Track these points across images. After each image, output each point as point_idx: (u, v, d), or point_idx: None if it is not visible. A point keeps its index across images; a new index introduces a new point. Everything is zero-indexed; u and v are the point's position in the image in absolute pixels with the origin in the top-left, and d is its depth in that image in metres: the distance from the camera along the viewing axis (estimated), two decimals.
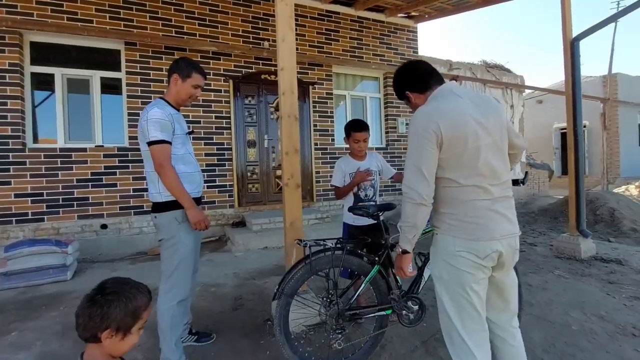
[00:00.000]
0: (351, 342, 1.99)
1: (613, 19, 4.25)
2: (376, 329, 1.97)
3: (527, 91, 11.18)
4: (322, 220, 5.33)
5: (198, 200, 2.05)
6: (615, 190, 9.25)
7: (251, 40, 5.59)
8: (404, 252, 1.44)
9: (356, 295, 1.86)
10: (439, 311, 1.47)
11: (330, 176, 6.10)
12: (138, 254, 4.49)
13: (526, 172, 5.80)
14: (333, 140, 6.24)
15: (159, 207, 1.92)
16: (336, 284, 1.85)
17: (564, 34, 4.18)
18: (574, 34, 4.16)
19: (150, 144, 1.82)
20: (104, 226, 4.66)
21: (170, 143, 1.87)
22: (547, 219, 6.60)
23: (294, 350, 1.81)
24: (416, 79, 1.50)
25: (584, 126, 13.11)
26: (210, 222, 5.16)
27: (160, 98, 2.01)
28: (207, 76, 5.22)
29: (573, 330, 2.38)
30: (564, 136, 13.76)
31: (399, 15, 6.67)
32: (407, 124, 6.85)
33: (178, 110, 2.05)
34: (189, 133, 2.09)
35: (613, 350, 2.14)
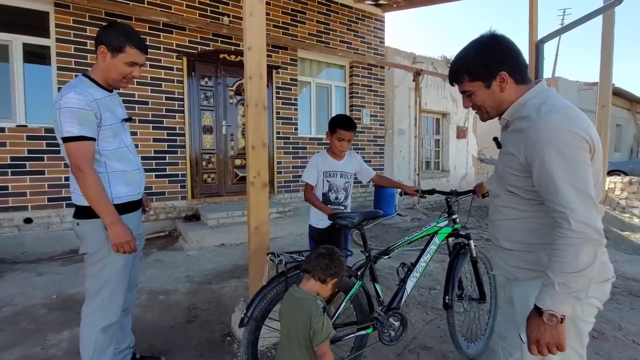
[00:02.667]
0: None
1: (574, 25, 4.37)
2: (354, 350, 1.77)
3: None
4: (284, 214, 5.06)
5: (137, 204, 1.68)
6: None
7: (209, 14, 5.03)
8: (562, 319, 0.96)
9: (336, 315, 1.64)
10: None
11: (293, 167, 5.92)
12: (71, 252, 3.89)
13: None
14: (296, 129, 5.92)
15: (83, 212, 1.51)
16: None
17: (530, 36, 4.25)
18: (539, 37, 4.23)
19: (64, 140, 1.40)
20: (28, 220, 3.98)
21: (92, 139, 1.45)
22: None
23: None
24: (522, 62, 1.09)
25: None
26: (160, 215, 4.70)
27: (85, 75, 1.54)
28: (157, 51, 4.69)
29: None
30: None
31: (367, 2, 6.43)
32: (372, 116, 6.73)
33: (111, 90, 1.60)
34: (127, 120, 1.66)
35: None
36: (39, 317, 2.48)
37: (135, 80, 1.65)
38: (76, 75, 4.19)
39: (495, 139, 1.21)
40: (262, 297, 1.51)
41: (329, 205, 2.31)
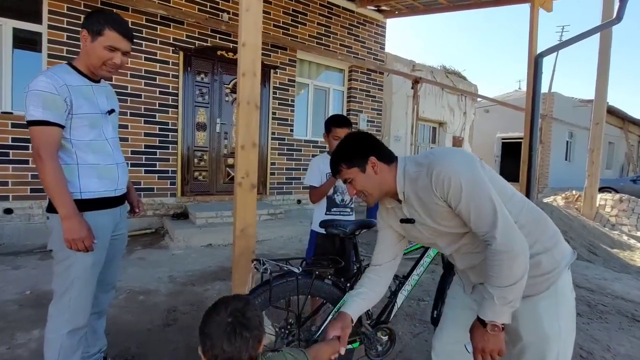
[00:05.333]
0: None
1: (573, 41, 4.38)
2: None
3: (479, 100, 11.67)
4: (275, 216, 4.97)
5: (115, 201, 1.56)
6: (545, 200, 10.06)
7: (208, 9, 4.96)
8: (503, 327, 1.05)
9: (322, 329, 1.55)
10: None
11: (287, 169, 5.84)
12: None
13: None
14: (292, 130, 5.85)
15: (52, 206, 1.41)
16: (299, 315, 1.52)
17: (529, 49, 4.26)
18: (539, 50, 4.23)
19: (28, 123, 1.32)
20: (8, 211, 3.84)
21: (57, 125, 1.35)
22: None
23: None
24: (384, 147, 1.24)
25: (522, 138, 14.24)
26: (147, 212, 4.59)
27: (68, 63, 1.47)
28: (153, 44, 4.59)
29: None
30: (505, 145, 14.76)
31: (370, 7, 6.41)
32: (369, 121, 6.68)
33: (98, 81, 1.52)
34: (109, 112, 1.55)
35: None
36: (9, 313, 2.36)
37: (120, 70, 1.53)
38: None
39: (403, 220, 1.24)
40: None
41: (334, 209, 2.21)
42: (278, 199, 5.78)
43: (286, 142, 5.80)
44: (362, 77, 6.58)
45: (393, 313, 1.73)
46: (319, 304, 1.73)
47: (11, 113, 3.87)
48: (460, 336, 1.26)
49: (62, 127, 1.37)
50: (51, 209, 1.43)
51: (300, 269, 1.50)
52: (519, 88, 19.09)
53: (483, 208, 1.02)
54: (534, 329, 1.12)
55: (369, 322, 1.68)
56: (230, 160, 5.33)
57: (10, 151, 3.83)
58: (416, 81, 7.15)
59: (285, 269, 1.48)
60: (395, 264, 1.38)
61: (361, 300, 1.33)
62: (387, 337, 1.70)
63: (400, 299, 1.73)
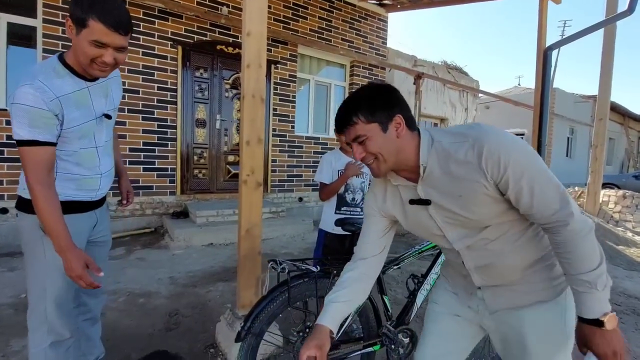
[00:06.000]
0: None
1: (581, 34, 4.28)
2: None
3: (480, 96, 11.59)
4: (277, 214, 4.87)
5: (94, 204, 1.42)
6: None
7: (207, 2, 4.83)
8: (610, 317, 0.86)
9: (342, 330, 1.47)
10: None
11: (288, 166, 5.73)
12: None
13: None
14: (293, 127, 5.74)
15: (21, 204, 1.30)
16: (317, 316, 1.43)
17: (538, 42, 4.16)
18: (548, 43, 4.13)
19: (16, 143, 1.14)
20: (3, 210, 3.73)
21: (49, 144, 1.16)
22: None
23: None
24: (410, 110, 1.02)
25: (522, 134, 14.18)
26: (146, 211, 4.48)
27: (59, 57, 1.23)
28: (151, 38, 4.47)
29: None
30: None
31: (371, 1, 6.29)
32: None
33: (90, 79, 1.27)
34: (106, 116, 1.35)
35: None
36: (3, 318, 2.25)
37: (109, 66, 1.19)
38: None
39: (414, 201, 1.02)
40: (262, 309, 1.34)
41: (343, 208, 2.11)
42: (279, 197, 5.68)
43: (287, 138, 5.69)
44: (364, 72, 6.47)
45: (413, 313, 1.65)
46: None
47: (5, 110, 3.75)
48: (447, 349, 1.15)
49: (55, 144, 1.19)
50: (19, 206, 1.31)
51: (318, 268, 1.41)
52: (519, 84, 19.02)
53: (549, 190, 0.87)
54: (544, 339, 1.00)
55: (389, 323, 1.60)
56: (230, 158, 5.22)
57: (5, 149, 3.72)
58: (418, 76, 7.04)
59: (303, 268, 1.39)
60: (382, 258, 1.16)
61: (341, 305, 1.08)
62: (408, 339, 1.62)
63: (419, 299, 1.64)
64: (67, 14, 1.14)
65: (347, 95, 6.52)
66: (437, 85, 8.14)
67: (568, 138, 15.11)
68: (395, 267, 1.66)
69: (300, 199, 5.92)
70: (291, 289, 1.37)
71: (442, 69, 8.54)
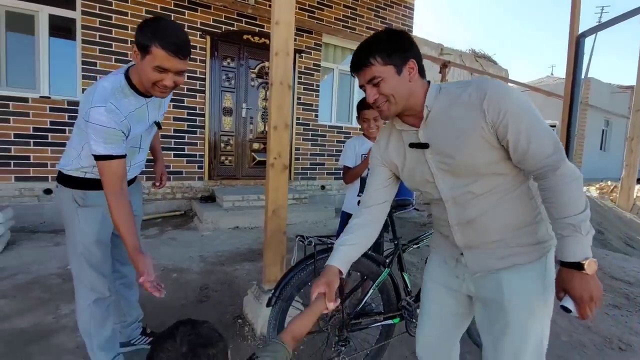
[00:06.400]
0: (352, 355, 1.70)
1: (618, 20, 4.08)
2: (380, 340, 1.72)
3: (509, 85, 11.22)
4: (300, 201, 4.99)
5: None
6: None
7: None
8: (590, 262, 0.89)
9: (363, 302, 1.58)
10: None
11: (311, 154, 5.83)
12: None
13: None
14: (316, 116, 5.82)
15: (60, 178, 1.49)
16: (342, 289, 1.54)
17: (571, 29, 4.01)
18: (581, 29, 3.98)
19: (95, 157, 1.30)
20: (47, 191, 4.03)
21: (121, 157, 1.32)
22: None
23: None
24: (422, 60, 1.06)
25: (553, 126, 13.62)
26: (176, 195, 4.71)
27: (126, 74, 1.35)
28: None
29: (563, 341, 2.27)
30: None
31: None
32: None
33: (149, 96, 1.40)
34: (156, 123, 1.53)
35: None
36: (53, 286, 2.49)
37: (169, 89, 1.33)
38: (100, 49, 4.07)
39: (414, 144, 1.06)
40: (291, 278, 1.46)
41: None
42: (302, 184, 5.80)
43: (311, 127, 5.78)
44: None
45: None
46: (356, 284, 1.74)
47: (49, 97, 4.02)
48: (443, 327, 1.20)
49: (125, 156, 1.34)
50: (58, 179, 1.48)
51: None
52: (552, 74, 18.19)
53: (545, 135, 0.92)
54: (522, 302, 1.01)
55: (409, 297, 1.68)
56: (255, 145, 5.37)
57: (49, 134, 4.00)
58: (444, 65, 6.91)
59: (328, 242, 1.49)
60: (385, 209, 1.21)
61: (348, 247, 1.14)
62: None
63: None
64: (105, 6, 1.27)
65: None
66: (464, 74, 7.98)
67: (603, 130, 14.42)
68: (415, 246, 1.74)
69: (323, 187, 6.02)
70: (317, 261, 1.48)
71: (470, 57, 8.35)
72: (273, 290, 1.44)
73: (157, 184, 1.89)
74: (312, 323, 1.03)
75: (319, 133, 5.87)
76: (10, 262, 2.84)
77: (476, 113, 0.94)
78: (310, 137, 5.78)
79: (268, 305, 1.43)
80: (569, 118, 4.00)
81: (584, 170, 13.23)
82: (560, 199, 0.91)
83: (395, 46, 1.00)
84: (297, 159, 5.70)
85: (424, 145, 1.04)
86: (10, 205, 3.52)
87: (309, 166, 5.83)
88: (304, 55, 5.56)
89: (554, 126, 13.02)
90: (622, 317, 2.64)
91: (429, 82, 1.06)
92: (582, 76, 12.70)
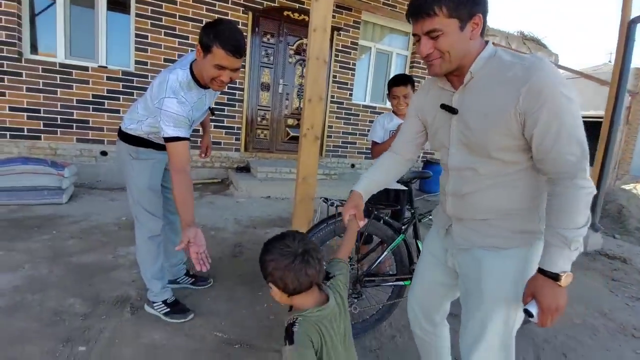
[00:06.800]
0: (365, 307, 1.90)
1: None
2: (391, 298, 1.89)
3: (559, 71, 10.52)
4: (329, 177, 5.17)
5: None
6: (625, 187, 9.07)
7: None
8: (567, 276, 0.88)
9: (377, 262, 1.75)
10: (493, 344, 1.04)
11: (343, 133, 5.95)
12: None
13: None
14: (351, 95, 5.88)
15: (120, 135, 1.78)
16: (358, 248, 1.72)
17: (623, 13, 3.74)
18: (633, 15, 3.71)
19: (164, 140, 1.52)
20: (103, 153, 4.47)
21: (187, 139, 1.53)
22: None
23: None
24: (487, 16, 0.95)
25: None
26: (215, 164, 5.04)
27: (190, 67, 1.56)
28: (225, 4, 4.81)
29: (576, 323, 2.33)
30: (585, 125, 13.20)
31: None
32: None
33: (208, 87, 1.63)
34: (210, 109, 1.81)
35: (613, 349, 2.11)
36: (111, 232, 2.86)
37: (225, 84, 1.54)
38: (152, 23, 4.32)
39: (444, 105, 1.02)
40: (313, 235, 1.65)
41: None
42: (333, 162, 5.95)
43: (344, 106, 5.86)
44: None
45: None
46: (374, 246, 1.91)
47: (106, 67, 4.39)
48: (431, 291, 1.24)
49: (189, 139, 1.55)
50: (119, 135, 1.77)
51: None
52: (610, 61, 16.72)
53: (575, 141, 0.86)
54: (497, 285, 1.00)
55: None
56: (290, 121, 5.55)
57: (105, 101, 4.39)
58: None
59: None
60: (409, 163, 1.29)
61: (370, 181, 1.25)
62: None
63: None
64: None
65: (408, 64, 6.43)
66: None
67: None
68: (430, 216, 1.85)
69: (353, 166, 6.14)
70: (338, 222, 1.64)
71: (517, 40, 7.93)
72: None
73: (203, 154, 2.16)
74: (353, 241, 1.21)
75: (352, 112, 5.94)
76: (74, 211, 3.26)
77: (512, 96, 0.87)
78: (343, 115, 5.87)
79: None
80: (613, 109, 3.81)
81: (635, 168, 12.29)
82: (564, 208, 0.88)
83: None
84: (329, 136, 5.84)
85: (453, 111, 1.01)
86: (72, 164, 3.97)
87: (340, 144, 5.96)
88: (342, 32, 5.59)
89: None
90: None
91: (487, 41, 0.98)
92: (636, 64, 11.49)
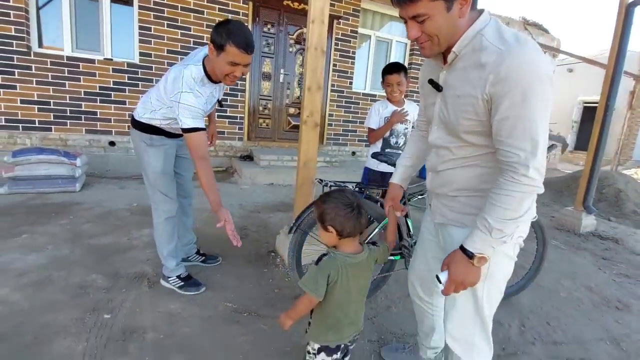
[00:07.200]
0: None
1: None
2: (383, 272, 2.04)
3: (561, 57, 10.49)
4: (330, 164, 5.30)
5: (177, 135, 1.96)
6: (625, 172, 9.13)
7: None
8: (481, 258, 0.96)
9: (369, 238, 1.89)
10: (466, 314, 1.11)
11: (344, 121, 6.06)
12: None
13: None
14: (351, 83, 5.97)
15: (134, 123, 1.90)
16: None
17: None
18: None
19: (183, 131, 1.66)
20: (112, 143, 4.63)
21: (203, 129, 1.68)
22: (551, 192, 6.60)
23: (300, 276, 1.91)
24: None
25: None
26: (219, 153, 5.19)
27: (202, 63, 1.69)
28: None
29: (561, 297, 2.47)
30: (586, 110, 13.19)
31: None
32: None
33: (218, 82, 1.78)
34: (219, 101, 1.94)
35: (595, 319, 2.24)
36: (124, 217, 3.04)
37: (237, 79, 1.69)
38: (154, 15, 4.39)
39: (431, 81, 1.04)
40: (310, 214, 1.80)
41: (387, 149, 2.46)
42: (334, 149, 6.08)
43: (345, 94, 5.95)
44: None
45: None
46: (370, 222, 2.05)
47: (111, 59, 4.51)
48: (428, 264, 1.31)
49: (205, 129, 1.71)
50: (132, 123, 1.90)
51: (354, 188, 1.82)
52: None
53: (528, 136, 0.86)
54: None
55: (410, 239, 1.97)
56: (291, 110, 5.67)
57: (112, 93, 4.52)
58: None
59: (342, 186, 1.79)
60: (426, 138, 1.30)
61: (405, 167, 1.36)
62: None
63: None
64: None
65: (408, 52, 6.48)
66: None
67: None
68: (420, 196, 1.99)
69: (353, 153, 6.27)
70: None
71: (518, 25, 7.92)
72: (294, 221, 1.79)
73: (209, 143, 2.30)
74: (394, 229, 1.40)
75: (353, 100, 6.04)
76: (87, 199, 3.43)
77: (481, 80, 0.88)
78: (343, 103, 5.97)
79: (289, 232, 1.80)
80: (608, 94, 3.89)
81: (636, 152, 12.30)
82: (497, 199, 0.90)
83: None
84: (329, 124, 5.95)
85: (438, 88, 1.02)
86: (83, 154, 4.13)
87: (341, 132, 6.07)
88: (341, 21, 5.65)
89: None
90: (629, 284, 2.78)
91: (481, 11, 0.94)
92: (637, 49, 11.36)
